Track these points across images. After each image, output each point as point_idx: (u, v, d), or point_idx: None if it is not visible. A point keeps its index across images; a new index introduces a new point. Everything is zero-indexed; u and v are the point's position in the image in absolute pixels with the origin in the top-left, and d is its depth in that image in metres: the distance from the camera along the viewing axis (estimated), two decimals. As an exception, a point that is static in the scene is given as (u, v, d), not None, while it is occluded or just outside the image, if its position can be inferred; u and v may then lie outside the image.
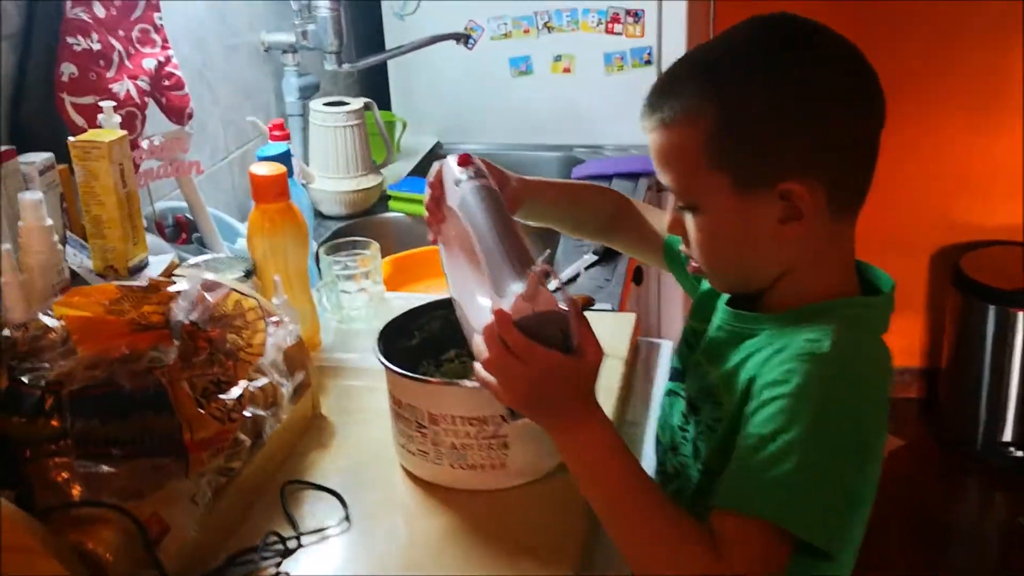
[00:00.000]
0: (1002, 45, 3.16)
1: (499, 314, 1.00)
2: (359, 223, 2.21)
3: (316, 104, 2.19)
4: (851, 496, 1.02)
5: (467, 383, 1.21)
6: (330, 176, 2.18)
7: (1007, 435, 3.20)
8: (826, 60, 1.05)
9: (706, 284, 1.27)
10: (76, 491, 1.02)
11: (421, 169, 2.48)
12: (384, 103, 2.63)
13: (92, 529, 1.01)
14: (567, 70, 2.56)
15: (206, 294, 1.11)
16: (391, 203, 2.27)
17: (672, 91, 1.07)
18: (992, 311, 3.15)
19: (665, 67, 2.42)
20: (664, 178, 1.10)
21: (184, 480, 1.07)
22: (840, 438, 1.00)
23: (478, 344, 1.03)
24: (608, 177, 2.37)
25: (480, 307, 1.11)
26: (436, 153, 2.63)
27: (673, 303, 2.68)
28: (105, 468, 1.02)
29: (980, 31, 3.17)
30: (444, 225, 1.24)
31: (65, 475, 1.02)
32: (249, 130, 2.09)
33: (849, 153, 1.06)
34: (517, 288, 1.00)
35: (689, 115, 1.05)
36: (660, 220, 1.38)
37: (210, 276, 1.36)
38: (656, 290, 2.61)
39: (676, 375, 1.29)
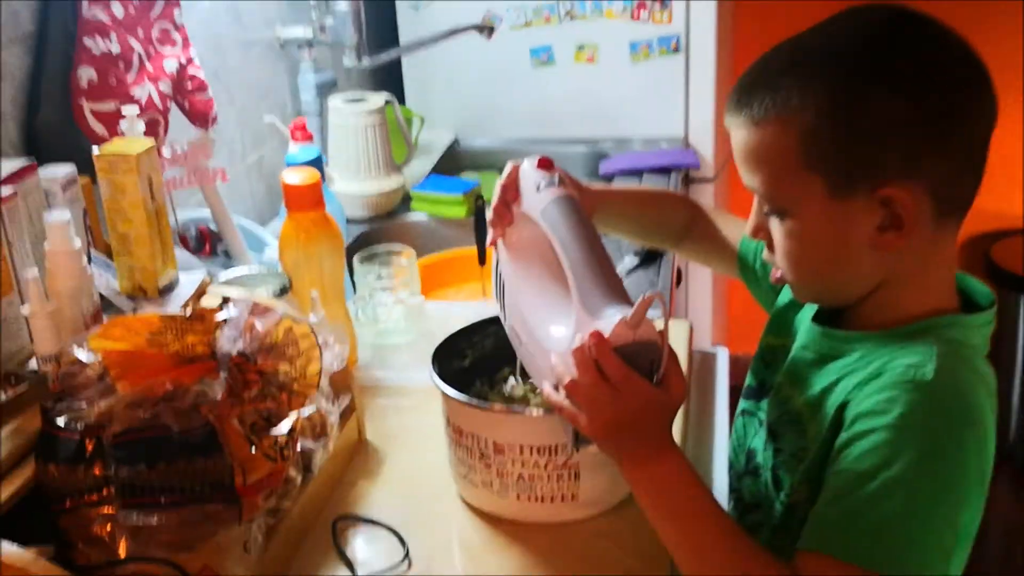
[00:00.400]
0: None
1: (597, 337, 0.92)
2: (382, 226, 2.11)
3: (336, 101, 2.08)
4: (960, 534, 0.94)
5: (534, 410, 1.13)
6: (352, 177, 2.08)
7: (1041, 430, 3.11)
8: (937, 56, 0.95)
9: (784, 296, 1.18)
10: (121, 545, 0.93)
11: (441, 167, 2.39)
12: (398, 98, 2.53)
13: (140, 587, 0.92)
14: (591, 60, 2.47)
15: (256, 321, 1.01)
16: (413, 204, 2.17)
17: (764, 86, 0.98)
18: (1025, 301, 3.07)
19: (694, 56, 2.40)
20: (751, 180, 1.01)
21: (236, 527, 0.98)
22: (949, 474, 0.92)
23: (558, 365, 0.97)
24: (638, 172, 2.28)
25: (557, 325, 1.04)
26: (455, 150, 2.54)
27: (701, 302, 2.60)
28: (152, 519, 0.93)
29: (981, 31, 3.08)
30: (510, 229, 1.15)
31: (109, 528, 0.93)
32: (266, 131, 1.99)
33: (959, 156, 0.97)
34: (614, 311, 0.93)
35: (783, 112, 0.96)
36: (733, 227, 1.29)
37: (240, 293, 1.27)
38: (684, 292, 2.52)
39: (750, 393, 1.21)
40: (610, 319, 0.92)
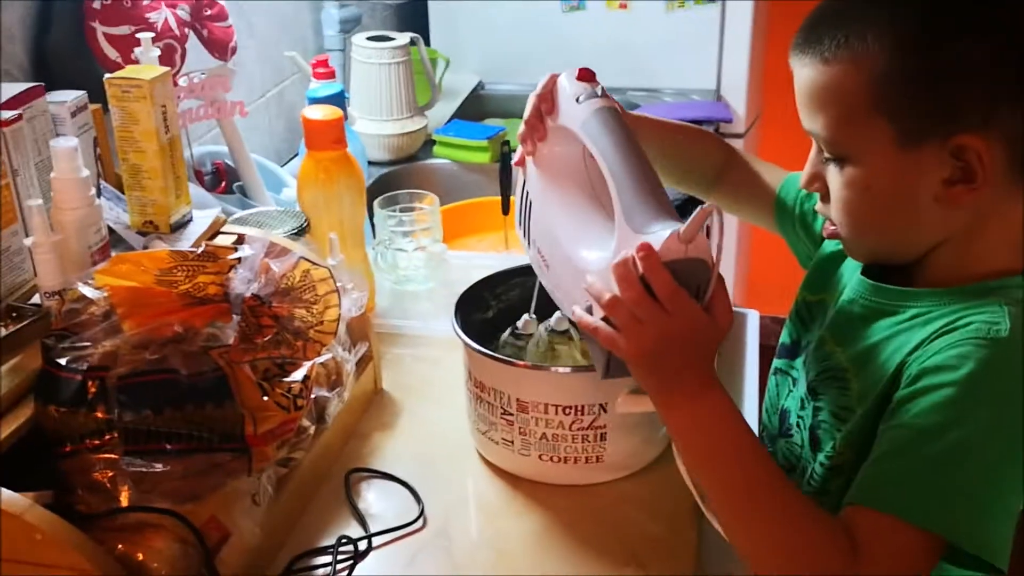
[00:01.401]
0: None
1: (647, 249, 0.84)
2: (403, 170, 2.05)
3: (359, 39, 2.01)
4: None
5: (561, 369, 1.07)
6: (373, 118, 2.01)
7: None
8: None
9: (825, 249, 1.12)
10: (123, 493, 0.88)
11: (464, 112, 2.32)
12: (423, 38, 2.45)
13: (142, 538, 0.88)
14: (623, 6, 2.39)
15: (272, 263, 0.95)
16: (436, 148, 2.11)
17: (837, 21, 0.91)
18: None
19: (731, 6, 2.30)
20: (813, 123, 0.94)
21: (245, 478, 0.93)
22: (1020, 436, 0.85)
23: (595, 283, 0.89)
24: (668, 124, 2.20)
25: (592, 249, 0.96)
26: (479, 94, 2.47)
27: (724, 265, 2.52)
28: (157, 466, 0.88)
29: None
30: (541, 145, 1.08)
31: (110, 474, 0.88)
32: (287, 66, 1.92)
33: None
34: (661, 226, 0.85)
35: (855, 50, 0.89)
36: (771, 174, 1.22)
37: (256, 232, 1.21)
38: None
39: (785, 351, 1.15)
40: (659, 233, 0.84)
